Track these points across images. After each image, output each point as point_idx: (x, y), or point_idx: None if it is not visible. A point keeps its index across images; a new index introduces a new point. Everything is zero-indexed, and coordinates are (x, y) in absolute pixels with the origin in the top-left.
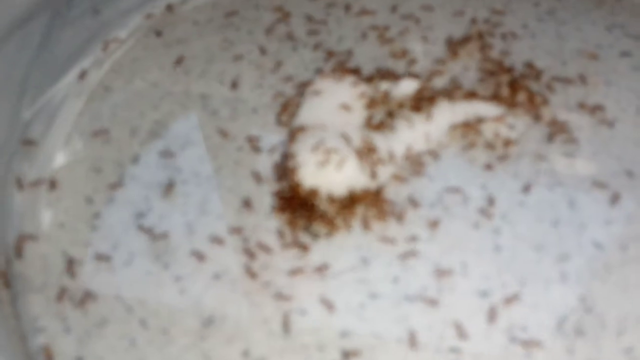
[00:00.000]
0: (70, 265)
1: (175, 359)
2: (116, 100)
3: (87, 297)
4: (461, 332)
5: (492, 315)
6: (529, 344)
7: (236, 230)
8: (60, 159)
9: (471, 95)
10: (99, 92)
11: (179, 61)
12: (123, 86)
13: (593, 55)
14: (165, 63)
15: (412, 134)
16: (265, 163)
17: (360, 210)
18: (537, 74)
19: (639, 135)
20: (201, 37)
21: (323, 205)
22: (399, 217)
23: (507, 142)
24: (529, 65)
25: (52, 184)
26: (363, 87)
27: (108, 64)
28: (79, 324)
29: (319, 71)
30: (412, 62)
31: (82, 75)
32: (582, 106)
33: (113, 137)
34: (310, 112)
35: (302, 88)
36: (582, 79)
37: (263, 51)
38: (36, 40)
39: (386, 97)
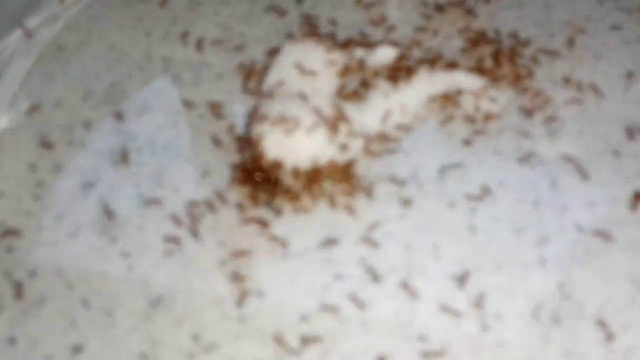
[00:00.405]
0: (9, 237)
1: (118, 341)
2: (69, 61)
3: (25, 272)
4: (430, 318)
5: (464, 300)
6: (502, 332)
7: (193, 204)
8: (2, 121)
9: (452, 65)
10: (50, 51)
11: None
12: (78, 46)
13: (582, 28)
14: (126, 23)
15: (387, 105)
16: (228, 132)
17: (327, 185)
18: (522, 46)
19: (626, 114)
20: None
21: (287, 178)
22: (369, 194)
23: (488, 117)
24: (515, 35)
25: None
26: (337, 54)
27: (62, 21)
28: (13, 302)
29: (290, 36)
30: (391, 29)
31: (33, 32)
32: (568, 81)
33: (64, 100)
34: (279, 79)
35: (272, 53)
36: (570, 52)
37: (232, 13)
38: None
39: (361, 65)
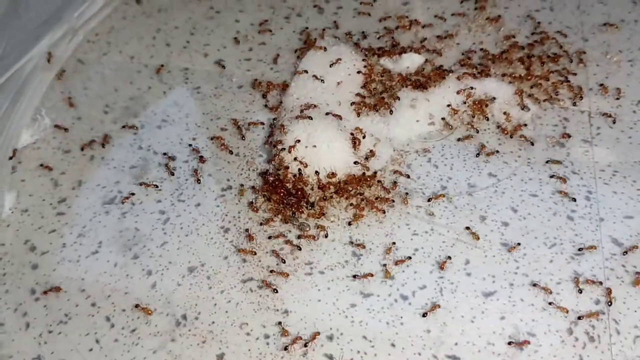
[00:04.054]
0: (33, 254)
1: None
2: (89, 74)
3: (50, 290)
4: (462, 337)
5: (496, 318)
6: (536, 351)
7: (215, 219)
8: (25, 137)
9: (481, 72)
10: (70, 64)
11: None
12: (97, 59)
13: (616, 30)
14: (145, 34)
15: (413, 115)
16: (250, 145)
17: (352, 199)
18: (554, 51)
19: None
20: (185, 5)
21: (311, 193)
22: (396, 208)
23: (520, 126)
24: (546, 40)
25: (16, 165)
26: (361, 61)
27: (82, 34)
28: (40, 320)
29: (313, 44)
30: (417, 35)
31: (53, 46)
32: (602, 87)
33: (84, 115)
34: (301, 88)
35: (294, 63)
36: (604, 57)
37: (253, 21)
38: (3, 6)
39: (387, 72)
